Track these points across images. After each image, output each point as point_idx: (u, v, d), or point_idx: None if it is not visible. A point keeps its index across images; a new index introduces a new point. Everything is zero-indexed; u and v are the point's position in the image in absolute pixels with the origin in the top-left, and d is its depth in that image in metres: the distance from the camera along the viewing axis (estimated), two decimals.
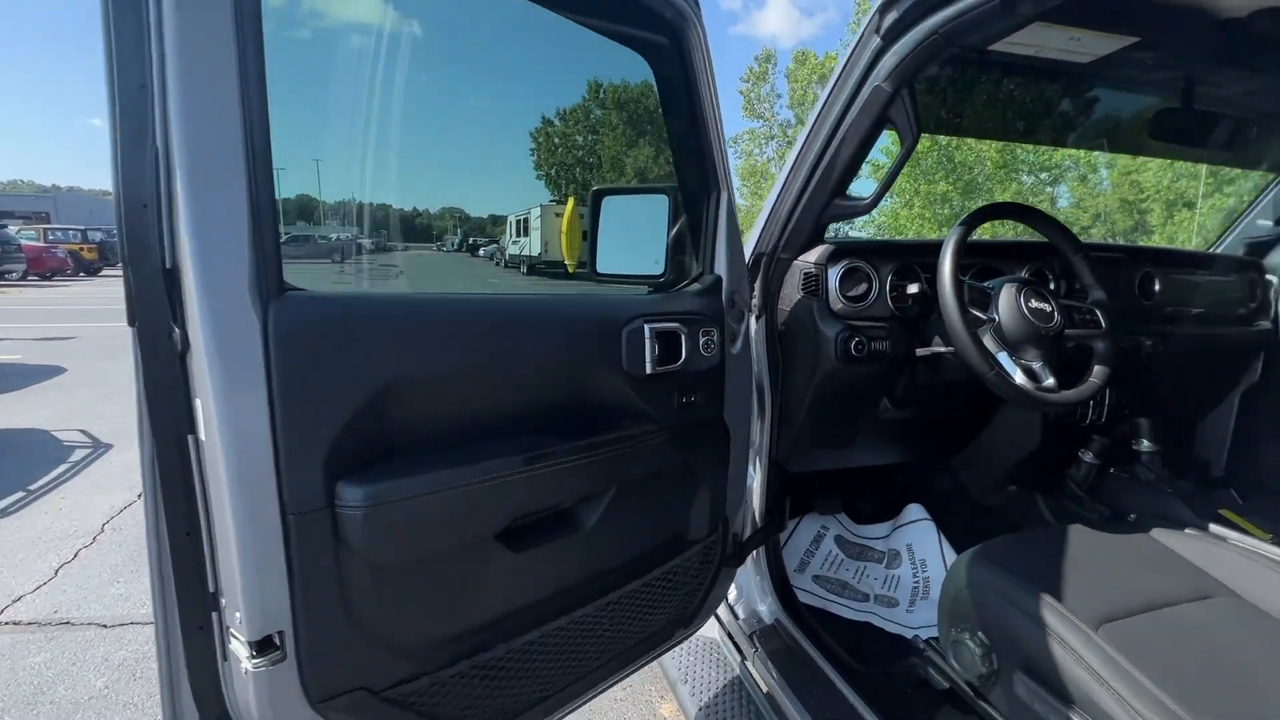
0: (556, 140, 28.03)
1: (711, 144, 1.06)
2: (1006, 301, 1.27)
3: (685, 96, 1.04)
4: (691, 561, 1.14)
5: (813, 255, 1.41)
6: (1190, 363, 1.77)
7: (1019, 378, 1.21)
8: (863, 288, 1.42)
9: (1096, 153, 16.71)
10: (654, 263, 1.12)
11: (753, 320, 1.40)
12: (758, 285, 1.42)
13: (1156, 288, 1.70)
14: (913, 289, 1.42)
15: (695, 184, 1.11)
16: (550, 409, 0.89)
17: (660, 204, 1.12)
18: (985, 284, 1.32)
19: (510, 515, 0.82)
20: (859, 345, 1.36)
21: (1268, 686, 0.84)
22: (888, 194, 1.28)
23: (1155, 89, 1.61)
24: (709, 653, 1.49)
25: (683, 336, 0.99)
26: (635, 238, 1.15)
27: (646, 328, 0.94)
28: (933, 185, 15.10)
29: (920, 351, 1.42)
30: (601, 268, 1.12)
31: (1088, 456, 1.78)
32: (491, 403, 0.83)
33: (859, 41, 1.17)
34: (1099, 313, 1.33)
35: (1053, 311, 1.27)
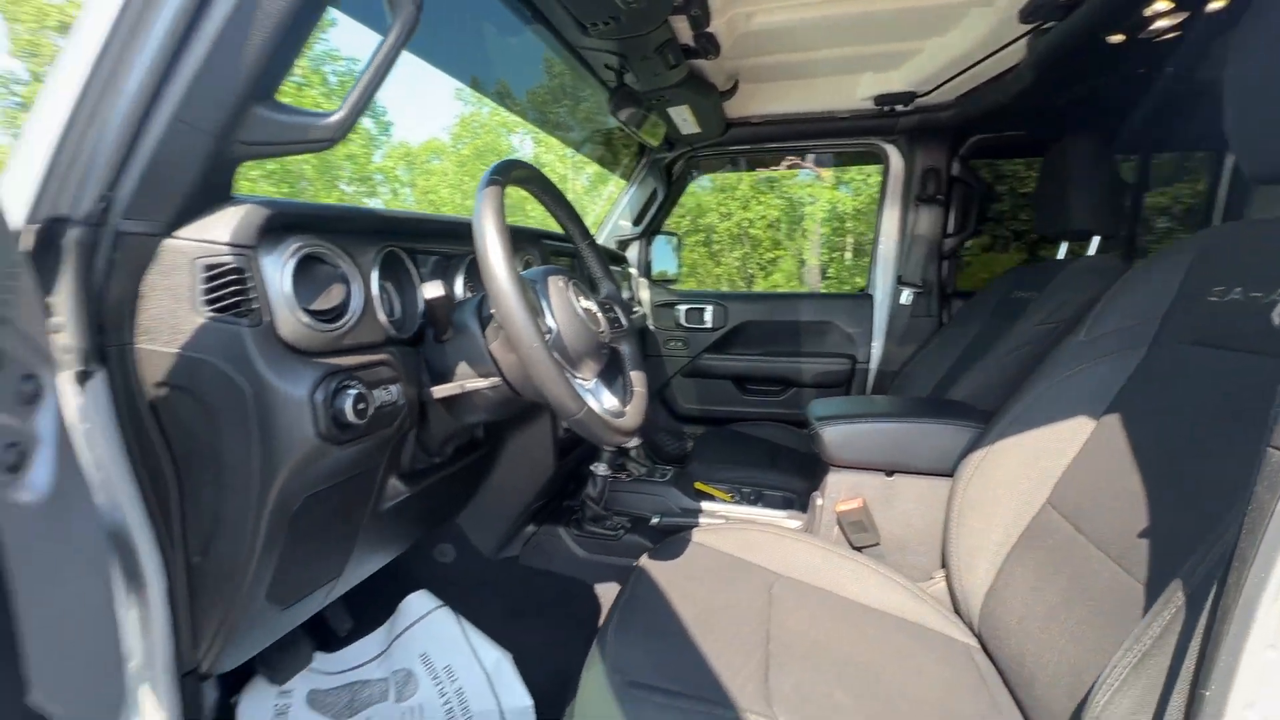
0: None
1: None
2: (560, 302, 0.89)
3: None
4: None
5: (218, 228, 0.66)
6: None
7: (600, 407, 0.87)
8: (338, 292, 0.79)
9: (399, 170, 19.13)
10: None
11: (70, 386, 0.57)
12: (69, 298, 0.57)
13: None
14: (432, 291, 0.86)
15: None
16: None
17: None
18: (526, 276, 0.91)
19: None
20: (360, 403, 0.74)
21: (869, 663, 0.83)
22: None
23: None
24: None
25: None
26: None
27: None
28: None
29: (439, 391, 0.89)
30: None
31: (601, 469, 1.49)
32: None
33: None
34: (617, 309, 1.07)
35: (597, 311, 0.96)
